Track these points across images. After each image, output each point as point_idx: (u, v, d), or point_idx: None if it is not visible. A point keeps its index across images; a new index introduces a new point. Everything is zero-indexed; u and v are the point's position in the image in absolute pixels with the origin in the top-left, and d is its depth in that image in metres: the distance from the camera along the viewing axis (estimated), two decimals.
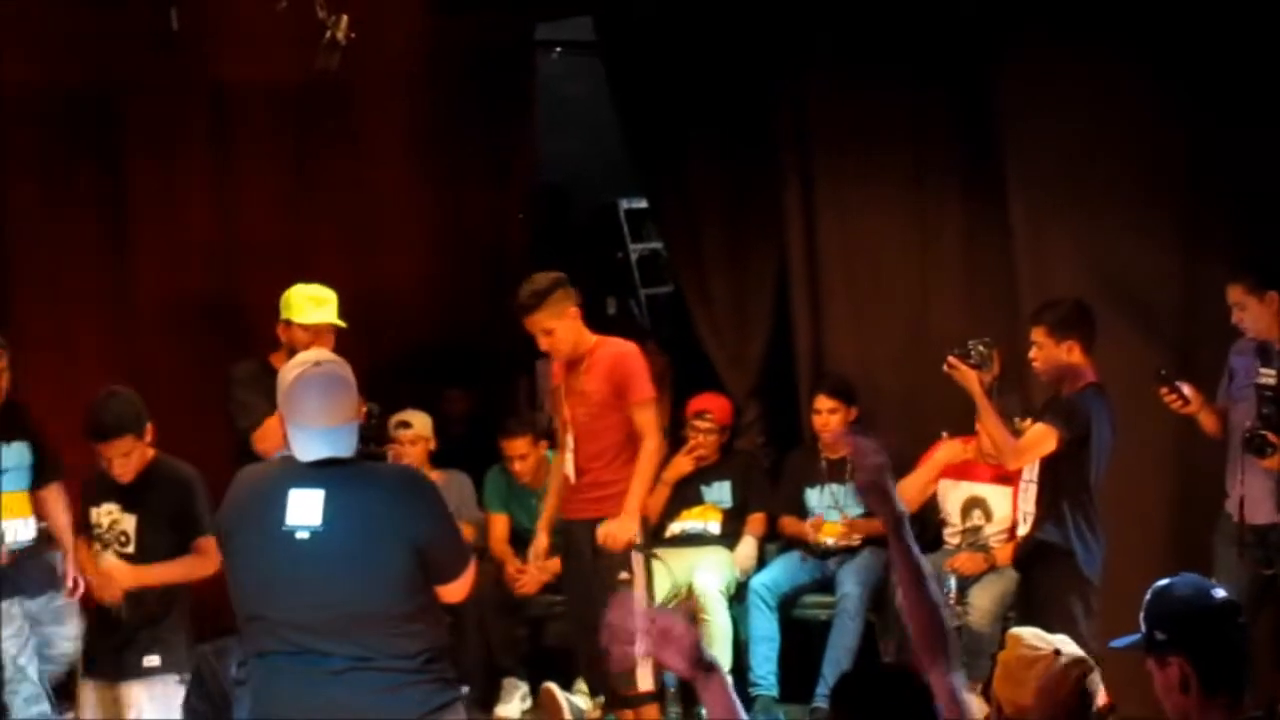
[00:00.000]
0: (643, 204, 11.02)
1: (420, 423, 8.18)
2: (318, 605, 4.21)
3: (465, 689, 7.73)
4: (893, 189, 8.30)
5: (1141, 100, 7.22)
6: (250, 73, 8.85)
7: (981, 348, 6.45)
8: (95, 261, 8.99)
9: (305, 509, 4.22)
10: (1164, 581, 3.70)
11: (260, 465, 4.50)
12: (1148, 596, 3.82)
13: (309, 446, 4.29)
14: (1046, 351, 6.50)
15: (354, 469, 4.32)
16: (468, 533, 8.01)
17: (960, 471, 7.64)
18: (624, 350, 6.92)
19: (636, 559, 6.70)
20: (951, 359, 6.44)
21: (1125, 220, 7.29)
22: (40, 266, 8.81)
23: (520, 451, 8.21)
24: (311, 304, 6.79)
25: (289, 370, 4.38)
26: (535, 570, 7.75)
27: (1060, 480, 6.45)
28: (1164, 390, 6.64)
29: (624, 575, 6.64)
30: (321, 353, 4.66)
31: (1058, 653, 3.62)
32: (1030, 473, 6.57)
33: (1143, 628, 3.66)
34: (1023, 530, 6.66)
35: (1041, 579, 6.48)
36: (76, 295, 8.91)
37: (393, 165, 9.87)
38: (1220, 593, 3.79)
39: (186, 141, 9.19)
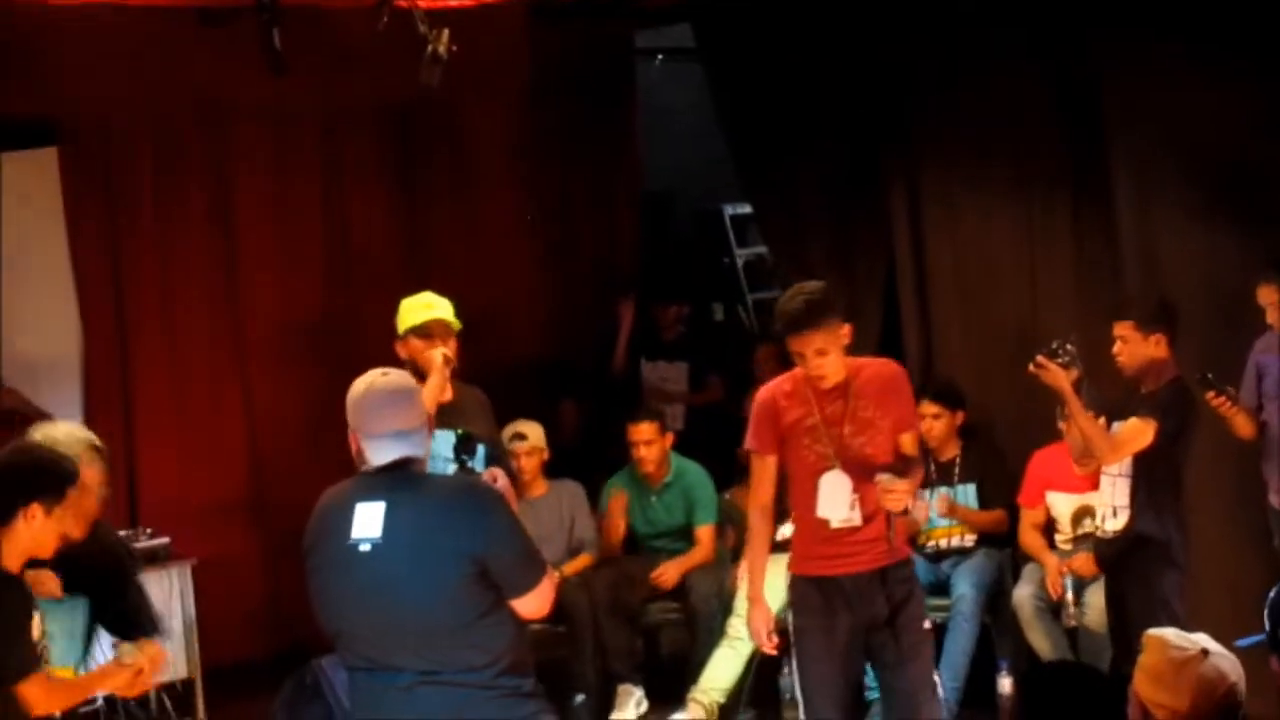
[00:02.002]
0: (747, 209, 11.02)
1: (535, 434, 8.21)
2: (383, 618, 4.21)
3: (580, 697, 7.84)
4: (1000, 191, 8.23)
5: (1252, 106, 7.11)
6: (355, 91, 8.95)
7: (1070, 346, 6.39)
8: (206, 280, 9.16)
9: (368, 522, 4.23)
10: None
11: (339, 484, 4.44)
12: (1271, 596, 3.80)
13: (377, 454, 4.31)
14: (1133, 346, 6.48)
15: (418, 481, 4.31)
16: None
17: (1064, 483, 7.60)
18: (896, 369, 6.01)
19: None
20: (1040, 359, 6.39)
21: (1234, 226, 7.20)
22: (152, 286, 8.99)
23: (646, 437, 8.19)
24: (422, 308, 6.62)
25: (357, 385, 4.39)
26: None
27: (1155, 473, 6.42)
28: (1211, 394, 6.64)
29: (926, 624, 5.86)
30: (391, 370, 4.54)
31: (1205, 652, 3.58)
32: (1120, 467, 6.55)
33: (1266, 626, 3.64)
34: (1113, 524, 6.59)
35: (1141, 572, 6.40)
36: (188, 316, 9.08)
37: (498, 178, 9.95)
38: None
39: (295, 161, 9.33)
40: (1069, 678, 3.48)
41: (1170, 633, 3.67)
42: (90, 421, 8.86)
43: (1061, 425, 7.14)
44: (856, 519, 5.65)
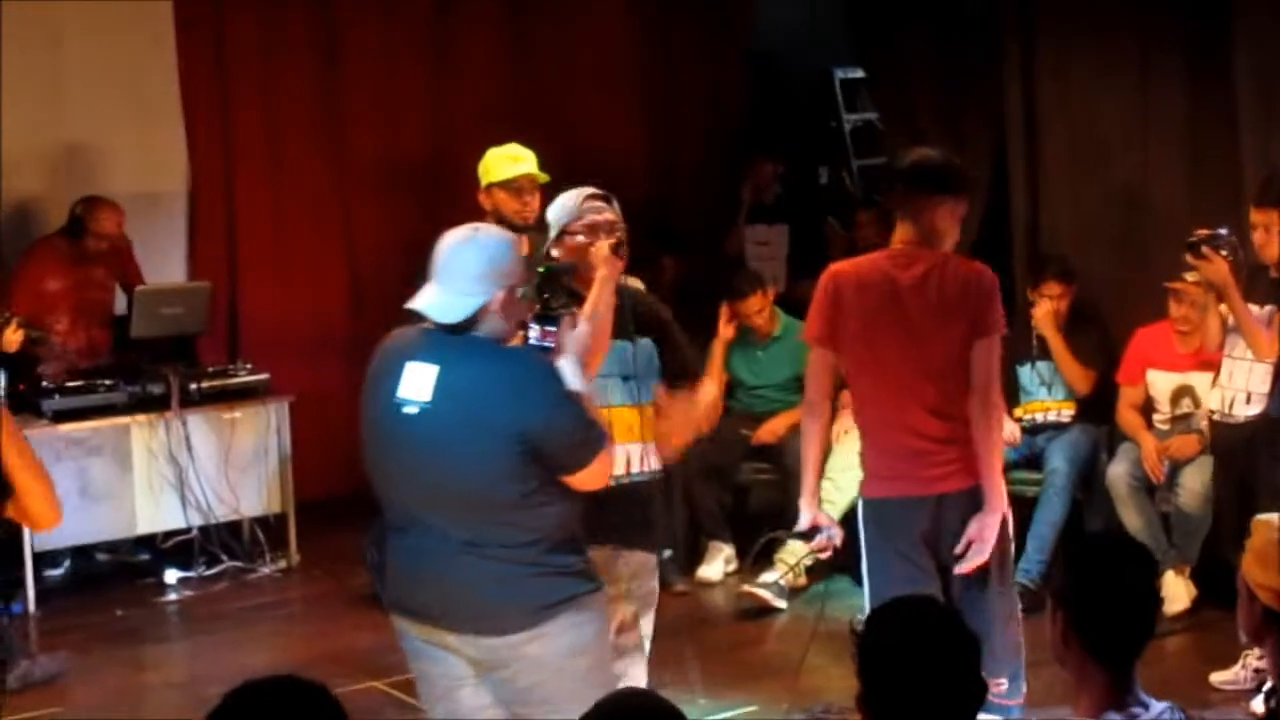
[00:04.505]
0: (858, 74, 10.88)
1: (634, 286, 8.18)
2: (426, 485, 4.09)
3: (669, 552, 7.88)
4: (1116, 64, 8.10)
5: None
6: None
7: (1232, 236, 6.22)
8: (311, 117, 9.19)
9: (418, 384, 4.07)
10: None
11: (397, 334, 4.26)
12: None
13: (442, 312, 4.10)
14: (1276, 233, 6.28)
15: (475, 348, 4.10)
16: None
17: (1166, 362, 7.51)
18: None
19: None
20: (1206, 249, 6.21)
21: None
22: (259, 123, 9.04)
23: (756, 307, 8.17)
24: (509, 161, 6.55)
25: (445, 239, 4.18)
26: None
27: None
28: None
29: None
30: (483, 226, 4.33)
31: None
32: (1247, 350, 6.41)
33: None
34: (1246, 409, 6.46)
35: (1273, 457, 6.26)
36: (292, 152, 9.13)
37: (608, 29, 9.89)
38: None
39: (403, 1, 9.32)
40: (1118, 551, 3.42)
41: (1277, 517, 3.62)
42: (193, 255, 8.99)
43: (1174, 311, 7.05)
44: None
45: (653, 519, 4.99)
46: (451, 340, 4.10)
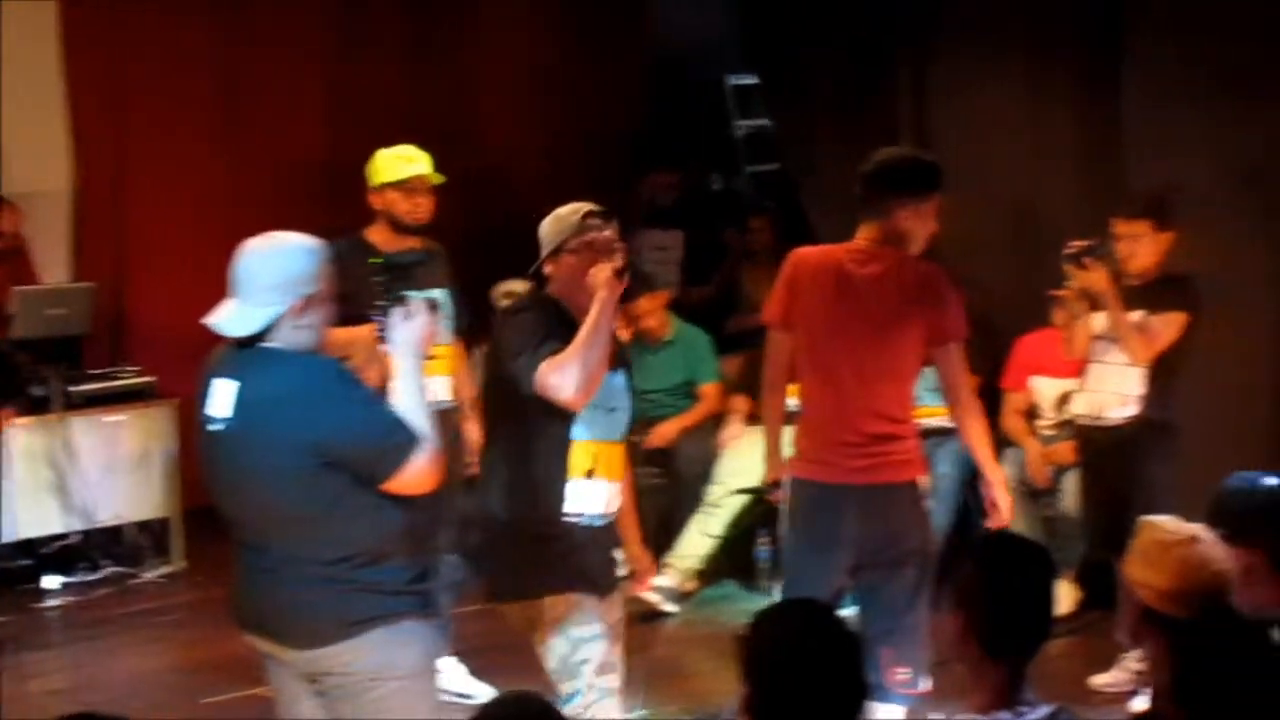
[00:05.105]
0: (751, 80, 10.92)
1: (525, 291, 8.18)
2: (239, 500, 4.04)
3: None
4: (1008, 79, 8.22)
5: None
6: None
7: (1110, 248, 6.30)
8: (204, 118, 9.10)
9: (221, 400, 3.99)
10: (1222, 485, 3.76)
11: (215, 350, 4.14)
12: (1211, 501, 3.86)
13: (235, 324, 4.02)
14: (1147, 243, 6.36)
15: (272, 360, 3.97)
16: None
17: (1051, 368, 7.60)
18: None
19: None
20: (1087, 260, 6.27)
21: (1243, 107, 7.15)
22: (152, 123, 8.93)
23: (645, 309, 8.16)
24: (402, 161, 6.47)
25: (242, 248, 4.10)
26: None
27: (1171, 361, 6.35)
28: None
29: None
30: (281, 234, 4.15)
31: (1195, 538, 3.60)
32: (1120, 355, 6.46)
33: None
34: (1120, 411, 6.50)
35: (1151, 455, 6.34)
36: (186, 154, 9.03)
37: (508, 35, 9.86)
38: (1272, 479, 3.87)
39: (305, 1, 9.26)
40: (1020, 552, 3.48)
41: (1163, 518, 3.69)
42: (80, 254, 8.86)
43: (1058, 318, 7.11)
44: None
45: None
46: (249, 354, 4.00)
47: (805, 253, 5.35)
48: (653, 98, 10.75)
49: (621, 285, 4.51)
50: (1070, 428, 7.46)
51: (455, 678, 6.42)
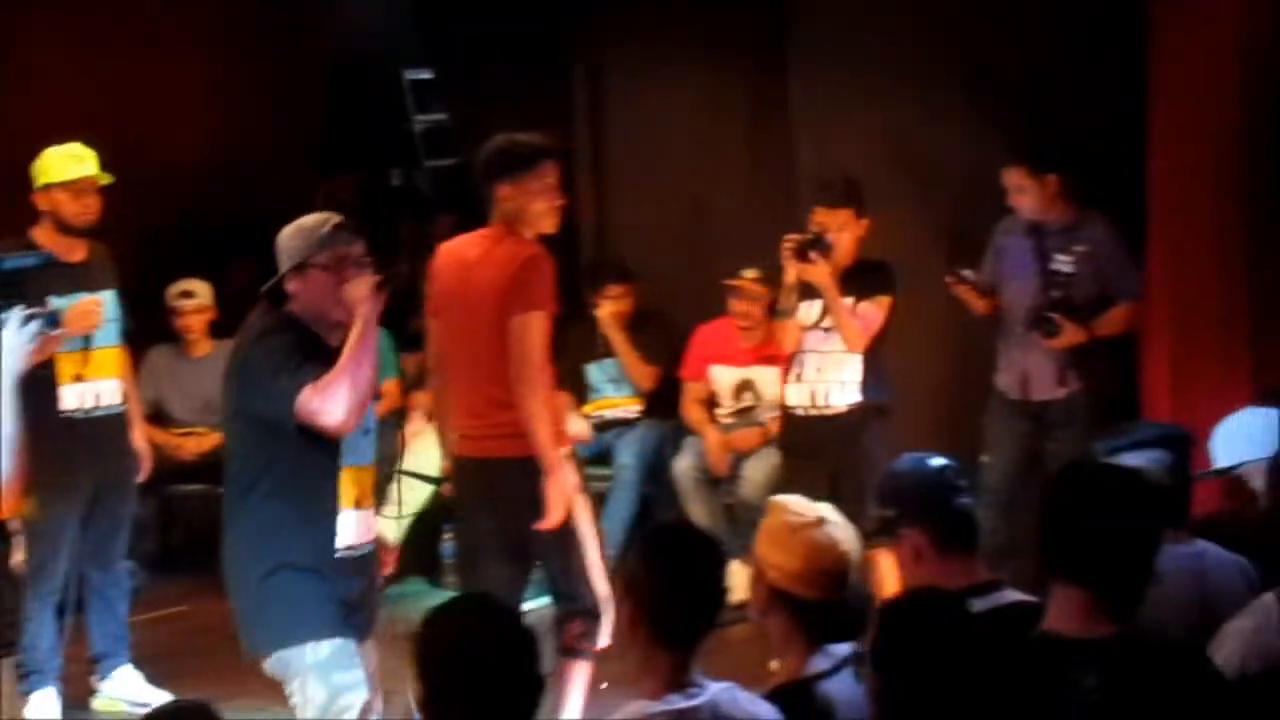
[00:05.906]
0: (427, 75, 10.89)
1: (203, 291, 8.07)
2: None
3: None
4: (681, 75, 8.35)
5: None
6: None
7: (830, 241, 6.36)
8: None
9: None
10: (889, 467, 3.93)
11: None
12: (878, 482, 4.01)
13: None
14: (851, 231, 6.43)
15: None
16: None
17: (728, 357, 7.76)
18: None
19: None
20: (813, 254, 6.32)
21: (907, 99, 7.39)
22: None
23: None
24: (71, 161, 6.29)
25: None
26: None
27: (879, 345, 6.47)
28: (959, 285, 6.78)
29: None
30: None
31: (821, 520, 3.72)
32: (838, 343, 6.50)
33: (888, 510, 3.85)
34: (843, 399, 6.50)
35: (876, 437, 6.42)
36: None
37: (184, 29, 9.65)
38: (937, 460, 3.99)
39: None
40: (686, 540, 3.59)
41: (791, 499, 3.83)
42: None
43: (735, 308, 7.24)
44: None
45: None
46: None
47: (446, 244, 5.63)
48: (333, 97, 10.64)
49: (382, 299, 4.37)
50: (747, 415, 7.65)
51: (133, 685, 6.32)
